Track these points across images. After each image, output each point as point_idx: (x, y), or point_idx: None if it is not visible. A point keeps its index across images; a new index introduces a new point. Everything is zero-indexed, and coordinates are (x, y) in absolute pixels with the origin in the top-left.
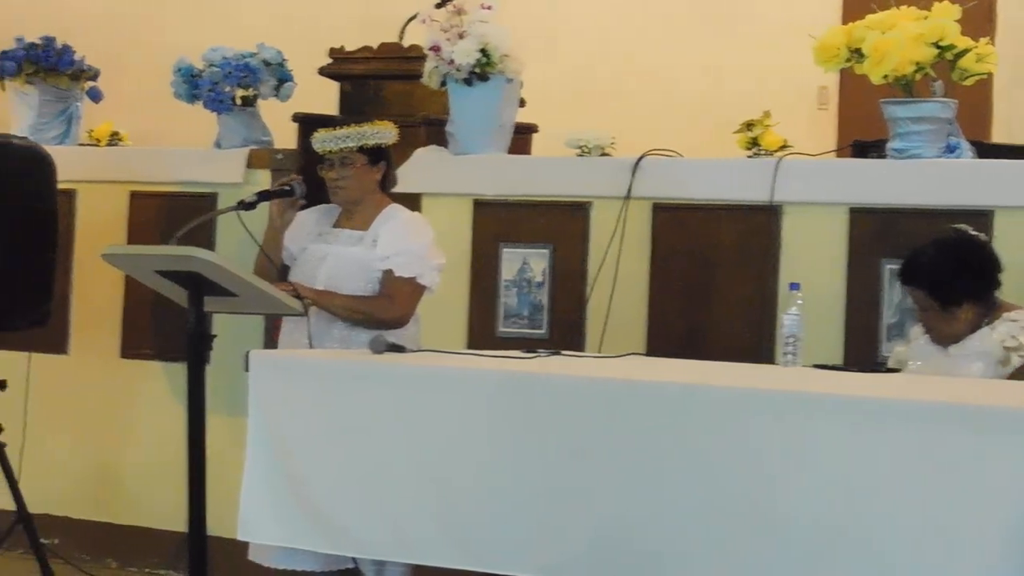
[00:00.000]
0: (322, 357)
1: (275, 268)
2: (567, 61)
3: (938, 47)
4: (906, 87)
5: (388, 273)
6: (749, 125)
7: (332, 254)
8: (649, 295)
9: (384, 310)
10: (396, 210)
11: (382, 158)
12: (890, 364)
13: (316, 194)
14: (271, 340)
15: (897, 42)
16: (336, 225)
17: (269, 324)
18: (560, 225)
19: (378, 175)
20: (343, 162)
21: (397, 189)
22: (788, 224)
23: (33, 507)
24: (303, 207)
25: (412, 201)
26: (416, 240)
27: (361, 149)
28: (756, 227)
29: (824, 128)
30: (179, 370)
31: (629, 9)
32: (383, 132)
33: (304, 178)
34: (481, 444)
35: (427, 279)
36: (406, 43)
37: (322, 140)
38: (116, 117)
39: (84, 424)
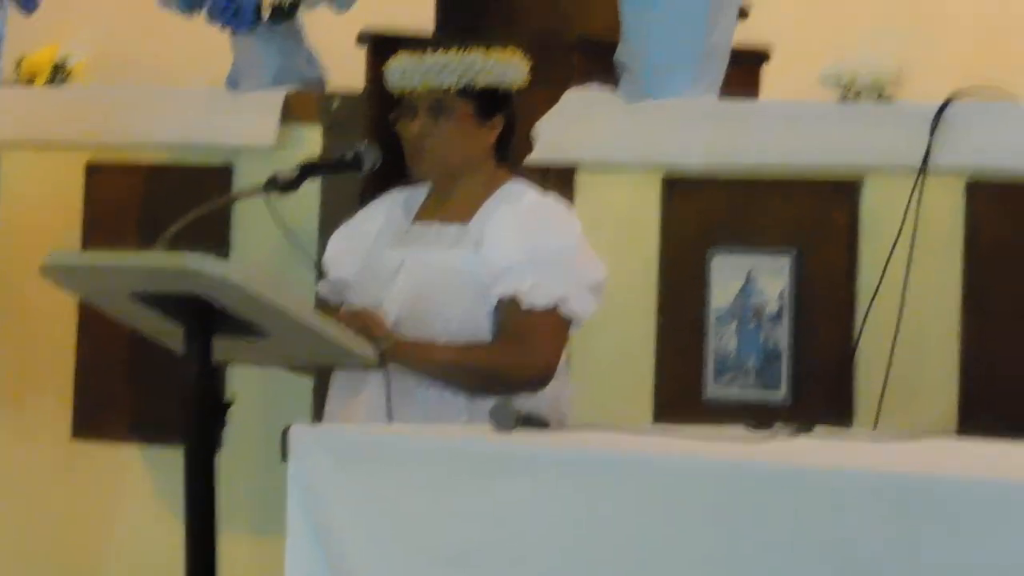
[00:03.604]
0: (413, 437)
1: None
2: None
3: None
4: None
5: (509, 304)
6: None
7: (412, 261)
8: (962, 330)
9: (515, 363)
10: (516, 191)
11: (499, 109)
12: None
13: (397, 169)
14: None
15: None
16: (419, 218)
17: (322, 383)
18: (810, 216)
19: (491, 135)
20: (435, 109)
21: (536, 156)
22: None
23: None
24: (366, 198)
25: (558, 178)
26: (553, 239)
27: (466, 91)
28: None
29: None
30: (171, 459)
31: None
32: (504, 65)
33: (379, 141)
34: None
35: (576, 305)
36: None
37: (402, 72)
38: (64, 37)
39: (10, 544)
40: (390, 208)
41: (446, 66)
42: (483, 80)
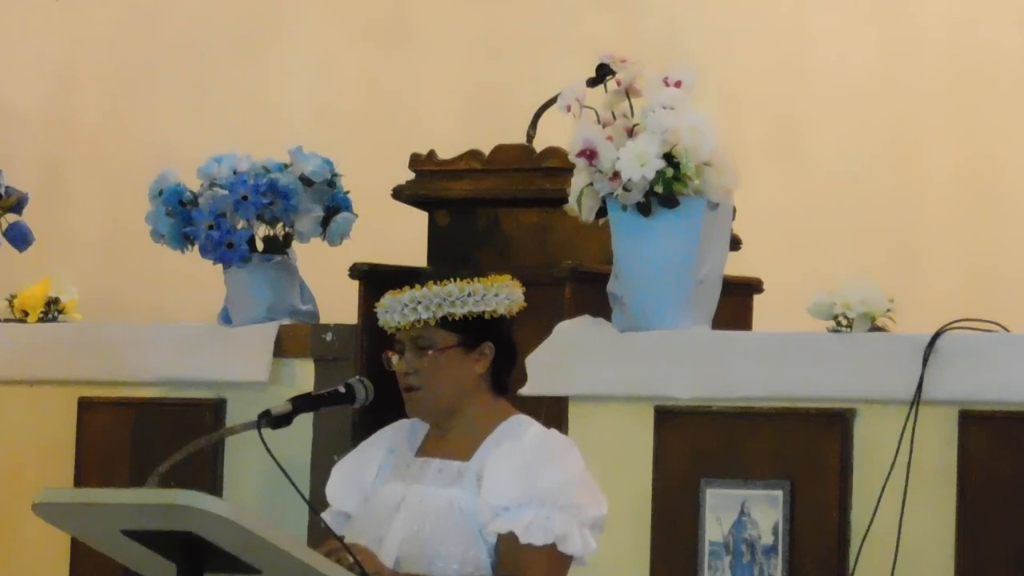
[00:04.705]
0: None
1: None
2: (812, 165)
3: None
4: None
5: (508, 540)
6: None
7: (413, 498)
8: (957, 567)
9: None
10: (518, 425)
11: (487, 336)
12: None
13: (391, 401)
14: None
15: None
16: (421, 453)
17: None
18: (804, 448)
19: (480, 365)
20: (418, 345)
21: (526, 391)
22: None
23: None
24: (359, 431)
25: (552, 410)
26: (552, 475)
27: (446, 322)
28: None
29: None
30: None
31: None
32: (485, 293)
33: (373, 374)
34: None
35: (575, 544)
36: (539, 145)
37: (385, 311)
38: (55, 272)
39: None
40: (394, 440)
41: (422, 300)
42: (461, 310)
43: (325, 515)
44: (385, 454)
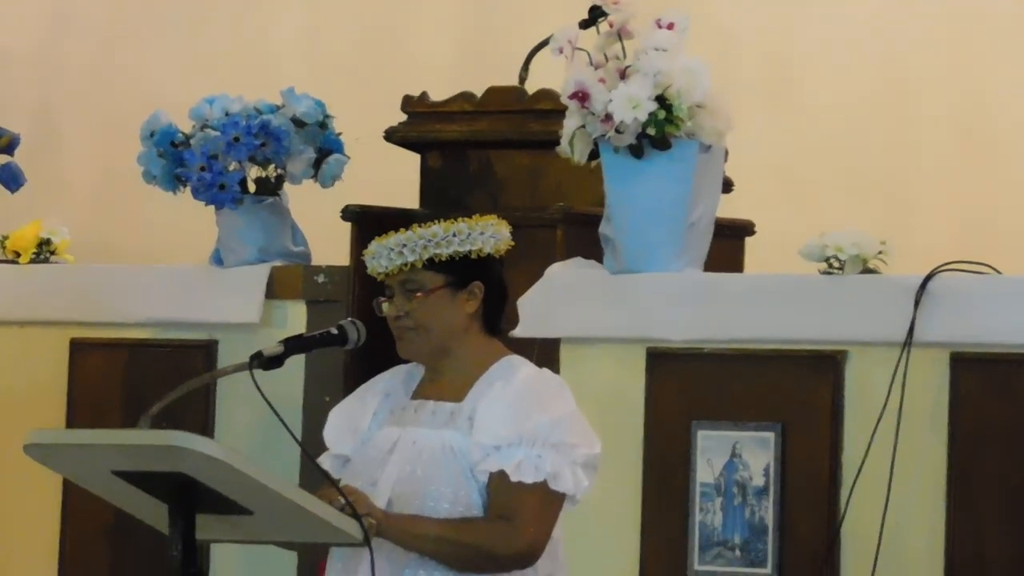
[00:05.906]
0: None
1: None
2: (805, 108)
3: None
4: None
5: (498, 477)
6: None
7: (407, 439)
8: (948, 509)
9: (500, 541)
10: (510, 365)
11: (475, 276)
12: None
13: (384, 344)
14: None
15: None
16: (416, 395)
17: (308, 562)
18: (795, 390)
19: (470, 305)
20: (406, 288)
21: (517, 333)
22: None
23: None
24: (351, 373)
25: (543, 352)
26: (543, 414)
27: (432, 264)
28: None
29: None
30: None
31: (926, 15)
32: (472, 233)
33: (365, 316)
34: None
35: (567, 482)
36: (531, 87)
37: (373, 257)
38: (47, 214)
39: None
40: (390, 385)
41: (407, 243)
42: (447, 250)
43: (323, 459)
44: (381, 399)
